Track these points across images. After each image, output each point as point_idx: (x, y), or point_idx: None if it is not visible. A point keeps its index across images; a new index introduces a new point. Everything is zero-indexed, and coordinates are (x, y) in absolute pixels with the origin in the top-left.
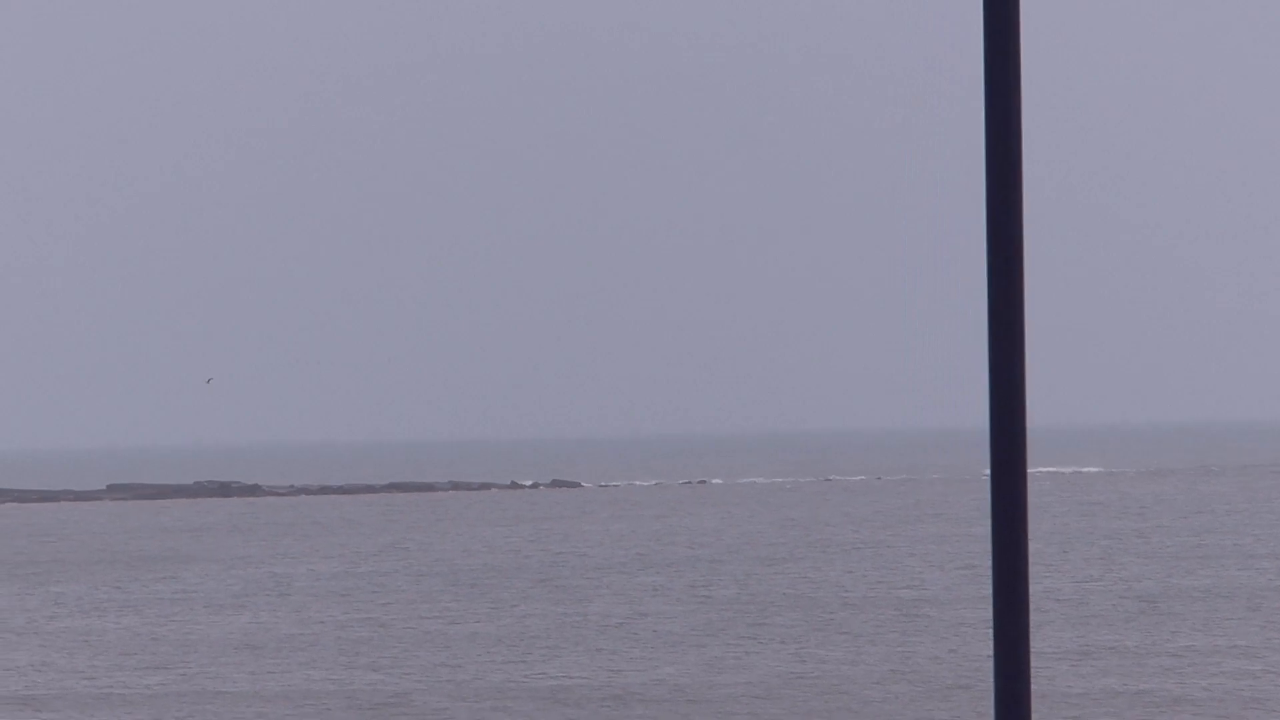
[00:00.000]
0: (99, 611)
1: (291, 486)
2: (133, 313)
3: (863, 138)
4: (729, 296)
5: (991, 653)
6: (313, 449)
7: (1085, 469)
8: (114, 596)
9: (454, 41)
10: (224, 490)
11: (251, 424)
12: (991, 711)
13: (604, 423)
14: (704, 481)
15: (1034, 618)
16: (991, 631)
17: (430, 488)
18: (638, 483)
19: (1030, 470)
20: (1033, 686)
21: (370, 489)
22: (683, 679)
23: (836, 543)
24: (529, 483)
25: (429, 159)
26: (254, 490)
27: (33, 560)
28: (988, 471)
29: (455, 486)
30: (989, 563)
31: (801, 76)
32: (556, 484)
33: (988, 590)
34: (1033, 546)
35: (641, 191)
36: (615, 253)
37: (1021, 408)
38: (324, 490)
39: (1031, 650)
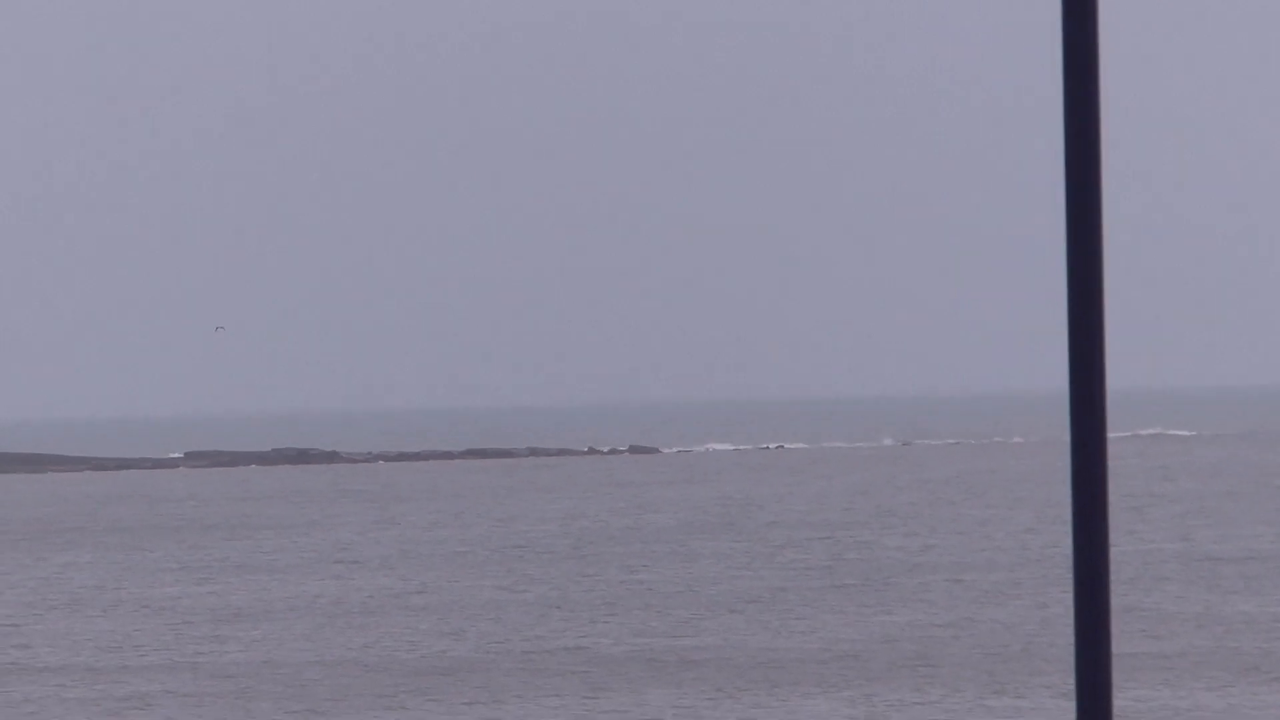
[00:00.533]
0: (174, 578)
1: (369, 453)
2: (211, 279)
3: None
4: (809, 259)
5: (1072, 617)
6: (390, 415)
7: (1174, 432)
8: (189, 562)
9: (462, 22)
10: (302, 457)
11: (329, 390)
12: (1073, 672)
13: (681, 387)
14: (782, 446)
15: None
16: (1072, 597)
17: (508, 454)
18: (715, 447)
19: (1124, 433)
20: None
21: (448, 455)
22: (747, 640)
23: (908, 508)
24: (606, 448)
25: (496, 115)
26: (332, 457)
27: (113, 528)
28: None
29: (533, 452)
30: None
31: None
32: (634, 449)
33: (1049, 556)
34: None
35: (712, 151)
36: (693, 216)
37: (1101, 371)
38: (401, 457)
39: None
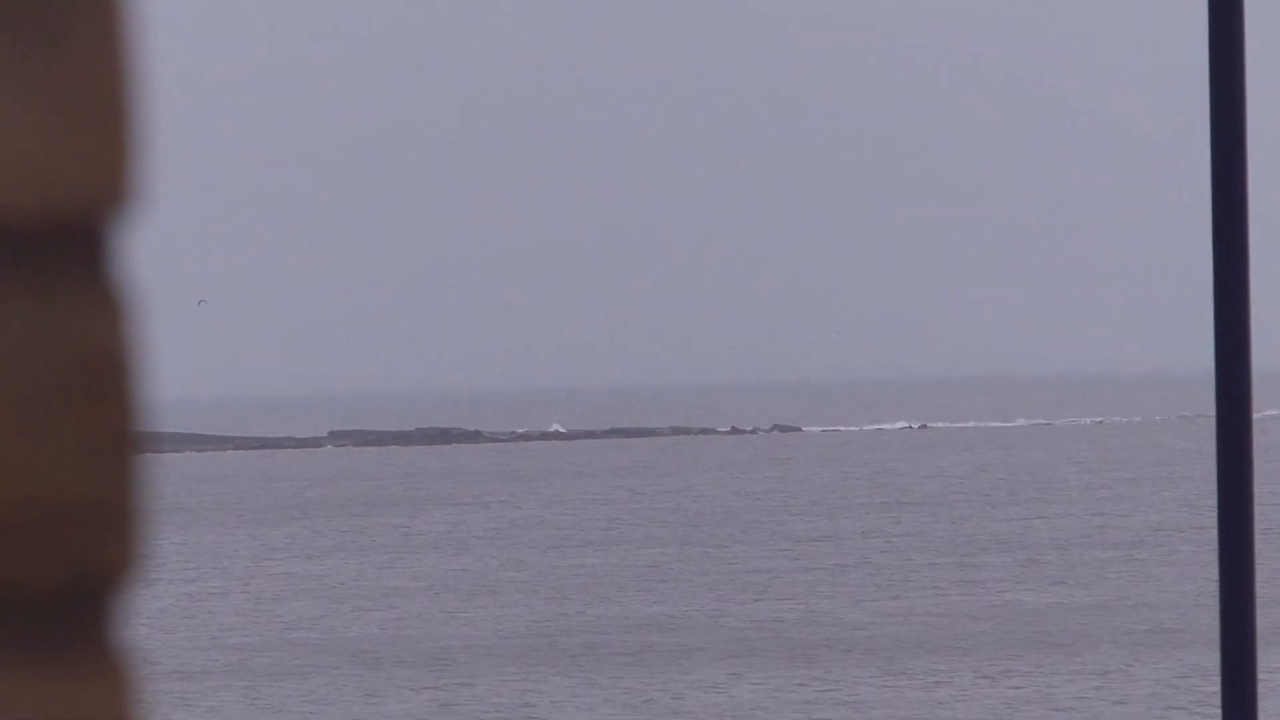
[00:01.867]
0: (322, 554)
1: (513, 433)
2: (348, 258)
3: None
4: (947, 240)
5: (1218, 598)
6: (532, 394)
7: None
8: (338, 540)
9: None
10: (445, 436)
11: (469, 368)
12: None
13: (823, 366)
14: (925, 426)
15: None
16: (1217, 579)
17: (652, 433)
18: (862, 427)
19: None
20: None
21: (591, 434)
22: (885, 615)
23: (1056, 485)
24: (749, 428)
25: (599, 88)
26: (475, 436)
27: (266, 505)
28: (1207, 414)
29: (676, 432)
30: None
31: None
32: (777, 429)
33: (1195, 525)
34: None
35: (853, 125)
36: (836, 192)
37: (1246, 347)
38: (545, 436)
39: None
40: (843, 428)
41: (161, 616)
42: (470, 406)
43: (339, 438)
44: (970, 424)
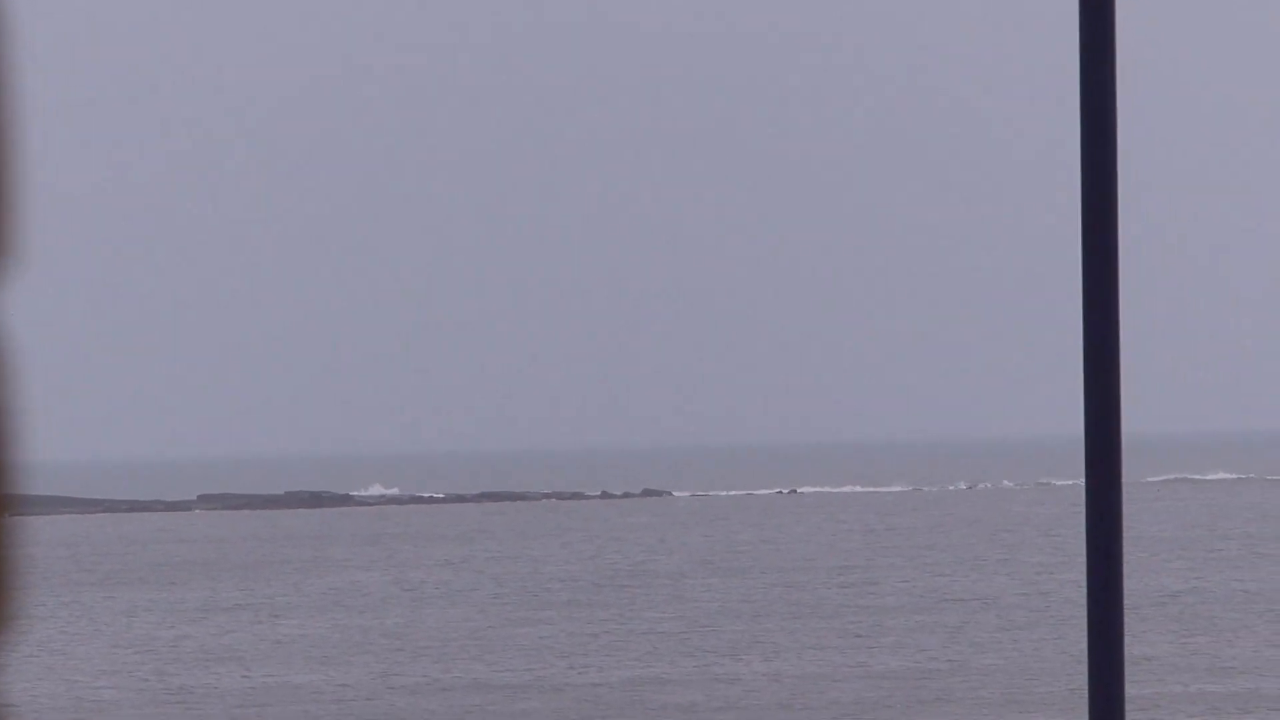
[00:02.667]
0: (184, 618)
1: (382, 496)
2: (218, 320)
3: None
4: (820, 304)
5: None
6: (405, 458)
7: (1211, 476)
8: (201, 602)
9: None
10: (315, 500)
11: (341, 433)
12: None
13: (694, 432)
14: (794, 491)
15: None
16: (1086, 641)
17: (523, 497)
18: (728, 492)
19: (1154, 478)
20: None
21: (461, 498)
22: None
23: (910, 549)
24: (620, 492)
25: (478, 159)
26: (345, 500)
27: (128, 568)
28: (1066, 481)
29: (547, 496)
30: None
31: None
32: (647, 493)
33: (1039, 594)
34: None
35: (725, 192)
36: (705, 256)
37: (1116, 413)
38: (415, 500)
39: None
40: (714, 492)
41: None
42: (342, 470)
43: (208, 501)
44: (845, 489)
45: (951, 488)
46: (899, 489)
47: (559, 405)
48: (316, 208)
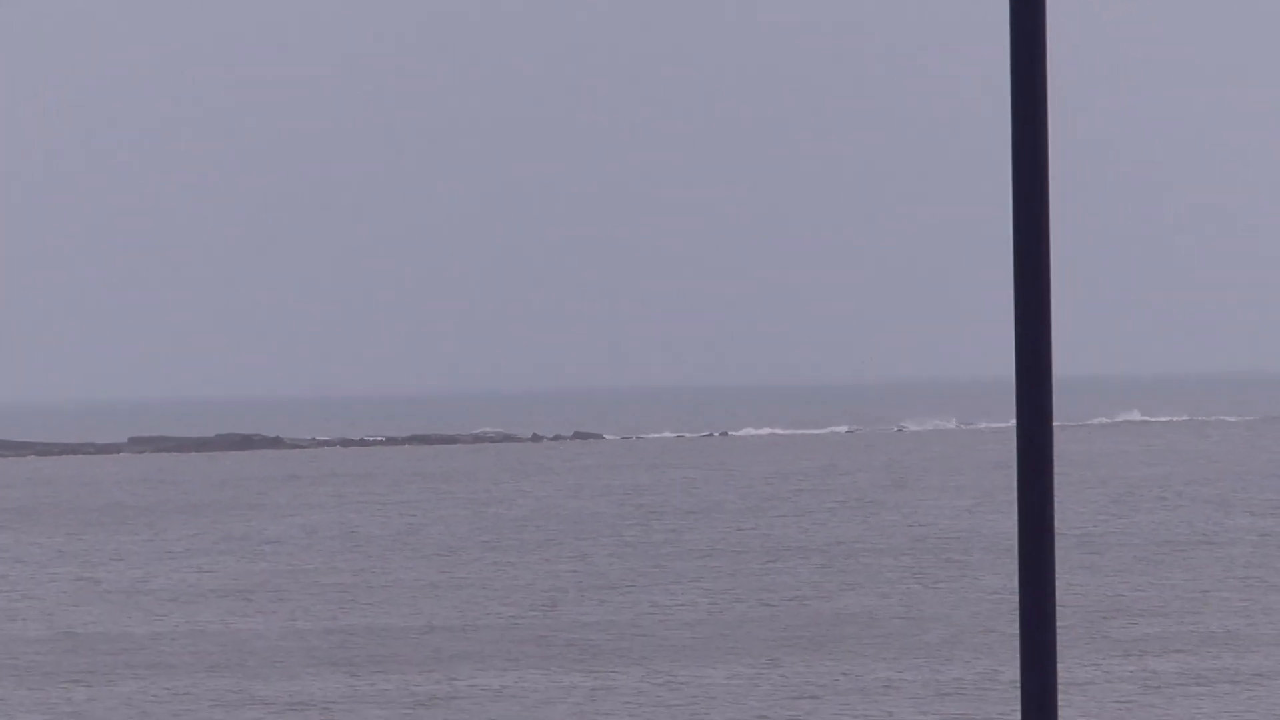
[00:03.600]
0: (103, 561)
1: (314, 439)
2: (149, 262)
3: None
4: (755, 247)
5: (1017, 607)
6: (334, 401)
7: (1124, 418)
8: (124, 547)
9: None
10: (246, 443)
11: (272, 376)
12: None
13: (627, 374)
14: (725, 434)
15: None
16: (1017, 586)
17: (452, 440)
18: (663, 434)
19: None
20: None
21: (392, 441)
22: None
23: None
24: (551, 435)
25: (443, 109)
26: (275, 443)
27: (68, 509)
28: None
29: (477, 439)
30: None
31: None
32: (578, 435)
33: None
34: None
35: (660, 138)
36: (641, 201)
37: (1047, 356)
38: (345, 443)
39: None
40: (644, 435)
41: None
42: (274, 413)
43: (139, 444)
44: (780, 431)
45: (885, 429)
46: (837, 430)
47: (495, 349)
48: (256, 161)
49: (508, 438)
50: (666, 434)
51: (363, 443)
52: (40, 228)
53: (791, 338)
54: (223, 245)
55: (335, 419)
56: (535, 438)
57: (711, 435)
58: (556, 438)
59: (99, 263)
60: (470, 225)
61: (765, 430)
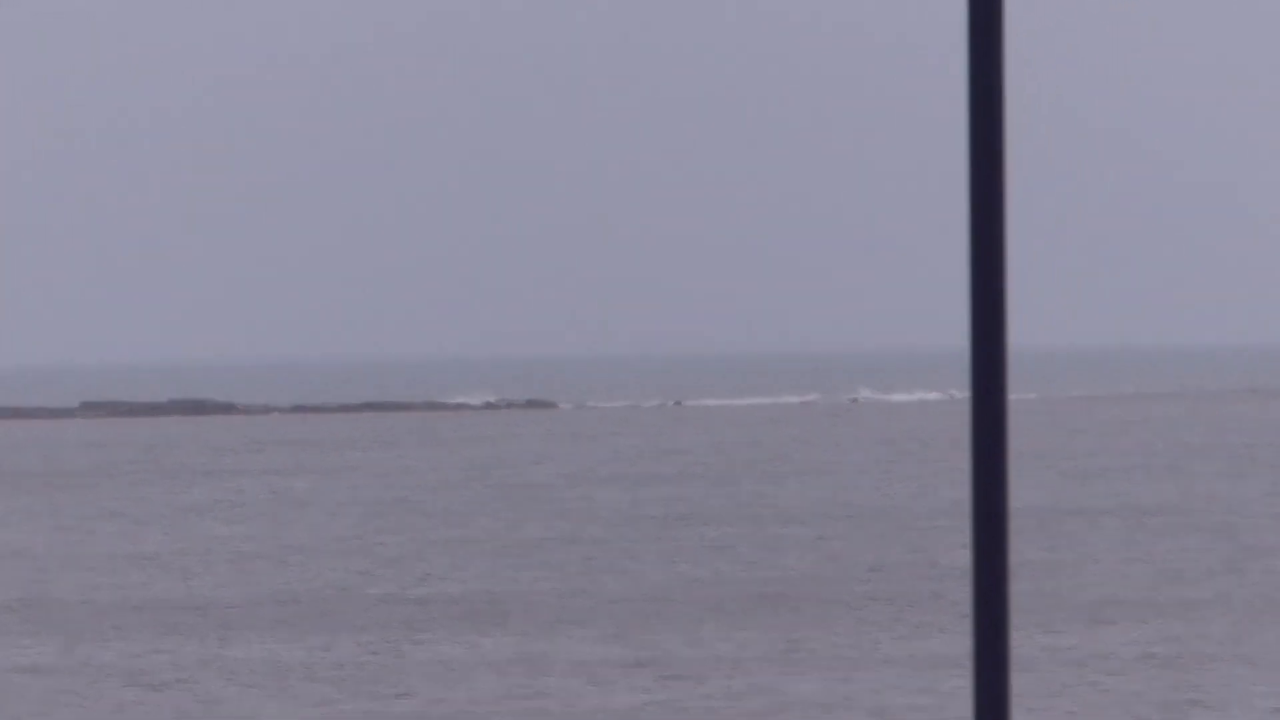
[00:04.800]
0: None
1: (266, 405)
2: (105, 228)
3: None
4: (720, 213)
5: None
6: (290, 368)
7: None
8: (81, 511)
9: None
10: (198, 408)
11: (225, 341)
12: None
13: (583, 342)
14: (679, 403)
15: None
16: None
17: (406, 406)
18: (615, 404)
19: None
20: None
21: (345, 408)
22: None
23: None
24: (504, 403)
25: (411, 77)
26: (228, 408)
27: (28, 473)
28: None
29: (430, 406)
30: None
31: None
32: (531, 404)
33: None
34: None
35: (619, 108)
36: (600, 170)
37: (1002, 329)
38: (298, 409)
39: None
40: (599, 404)
41: None
42: (226, 379)
43: (91, 408)
44: (734, 401)
45: (833, 398)
46: (790, 400)
47: (447, 316)
48: (214, 139)
49: (461, 405)
50: (619, 403)
51: (316, 409)
52: None
53: (782, 307)
54: (180, 213)
55: (291, 386)
56: (488, 405)
57: (665, 404)
58: (509, 405)
59: (53, 229)
60: (433, 197)
61: (721, 401)
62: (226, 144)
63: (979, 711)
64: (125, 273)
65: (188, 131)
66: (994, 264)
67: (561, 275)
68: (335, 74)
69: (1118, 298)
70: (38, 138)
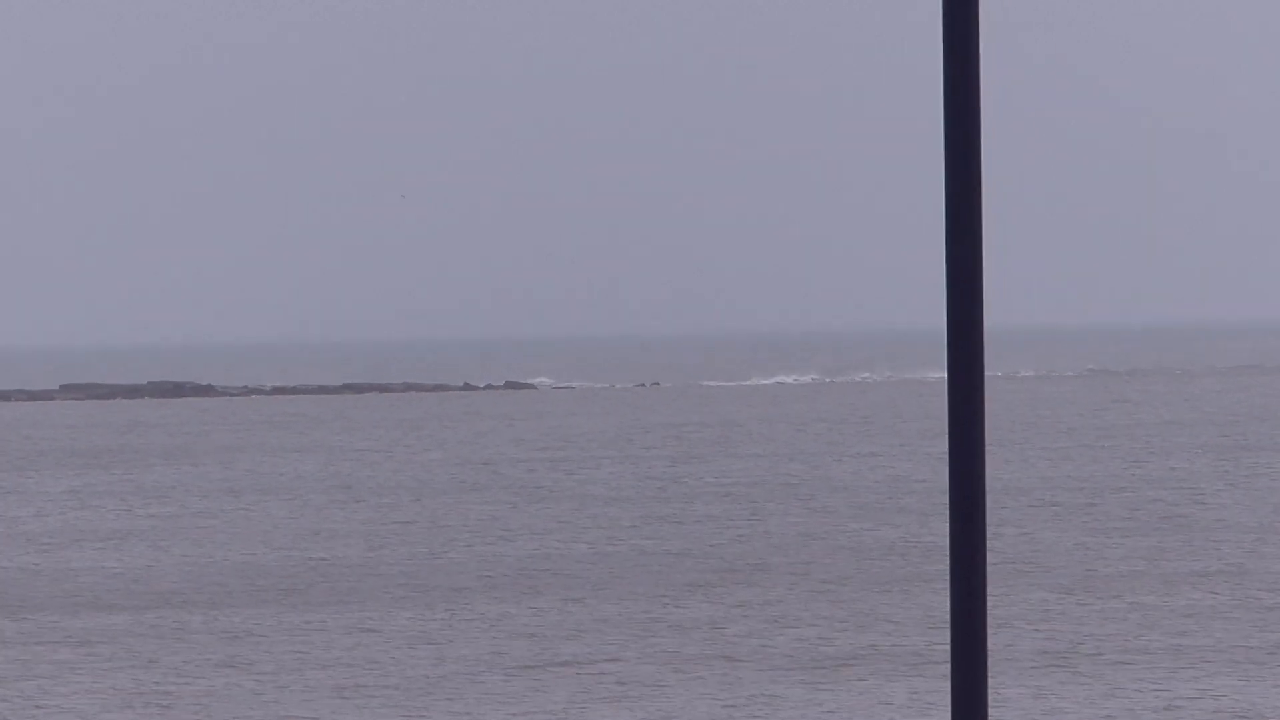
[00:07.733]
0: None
1: (245, 387)
2: (82, 211)
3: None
4: (703, 194)
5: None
6: (268, 348)
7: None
8: (77, 488)
9: None
10: (177, 390)
11: (204, 323)
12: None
13: (562, 324)
14: (657, 384)
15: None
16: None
17: (385, 388)
18: (595, 384)
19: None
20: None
21: (324, 389)
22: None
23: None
24: (482, 384)
25: (405, 62)
26: (207, 390)
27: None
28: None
29: (409, 388)
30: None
31: None
32: (510, 385)
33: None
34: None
35: (608, 94)
36: (579, 152)
37: (979, 309)
38: (277, 391)
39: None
40: (578, 384)
41: None
42: (206, 361)
43: (71, 390)
44: (711, 382)
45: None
46: (763, 382)
47: (428, 299)
48: (186, 115)
49: (440, 386)
50: (598, 384)
51: (295, 390)
52: None
53: (780, 287)
54: (157, 196)
55: (270, 367)
56: (467, 386)
57: (644, 385)
58: (488, 387)
59: (32, 212)
60: (411, 178)
61: (690, 381)
62: (204, 125)
63: (955, 683)
64: (102, 255)
65: (164, 113)
66: (970, 246)
67: (538, 256)
68: (320, 50)
69: (1120, 278)
70: (11, 117)
